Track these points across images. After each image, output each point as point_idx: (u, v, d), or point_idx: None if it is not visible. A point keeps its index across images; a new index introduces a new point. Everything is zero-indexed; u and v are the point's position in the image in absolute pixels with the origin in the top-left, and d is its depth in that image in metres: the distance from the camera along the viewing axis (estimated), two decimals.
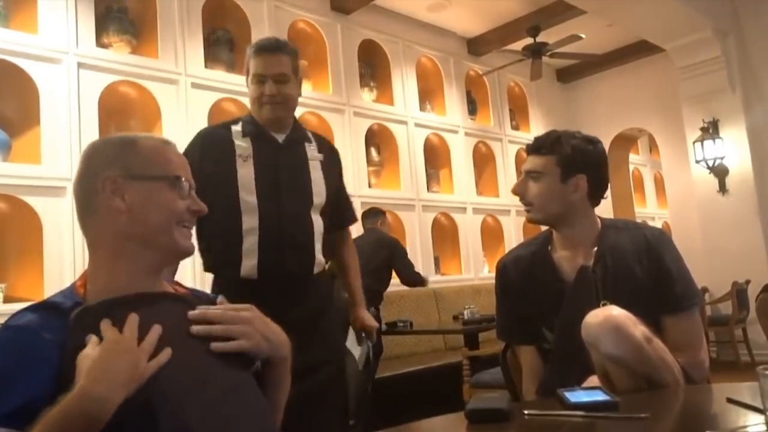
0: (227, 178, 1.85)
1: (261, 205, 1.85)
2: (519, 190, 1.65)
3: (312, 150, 2.02)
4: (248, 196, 1.85)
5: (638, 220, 3.71)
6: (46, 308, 0.96)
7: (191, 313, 1.00)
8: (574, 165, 1.60)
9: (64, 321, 0.92)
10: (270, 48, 1.93)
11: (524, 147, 6.73)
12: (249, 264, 1.82)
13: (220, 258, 1.88)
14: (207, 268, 1.94)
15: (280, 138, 1.95)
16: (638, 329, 1.27)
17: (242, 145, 1.90)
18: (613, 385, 1.28)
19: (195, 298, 1.12)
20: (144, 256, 1.03)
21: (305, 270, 1.89)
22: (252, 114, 1.96)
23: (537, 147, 1.63)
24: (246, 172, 1.86)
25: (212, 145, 1.92)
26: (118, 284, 0.99)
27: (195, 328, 0.98)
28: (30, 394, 0.85)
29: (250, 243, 1.83)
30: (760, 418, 0.92)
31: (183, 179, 1.06)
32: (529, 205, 1.64)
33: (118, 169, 1.03)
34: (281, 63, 1.91)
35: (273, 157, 1.91)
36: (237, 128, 1.94)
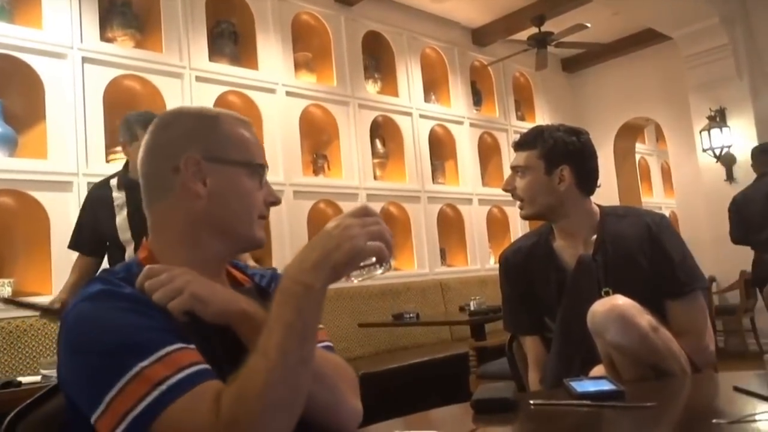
0: (110, 224, 2.59)
1: (135, 240, 2.53)
2: (508, 187, 1.70)
3: None
4: (124, 234, 2.57)
5: (647, 209, 3.67)
6: (116, 280, 0.90)
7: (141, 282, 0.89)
8: (557, 157, 1.62)
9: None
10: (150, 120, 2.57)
11: None
12: None
13: None
14: None
15: None
16: (644, 318, 1.28)
17: (118, 196, 2.62)
18: (618, 374, 1.28)
19: (255, 285, 1.06)
20: (215, 244, 0.96)
21: None
22: (130, 169, 2.63)
23: (521, 143, 1.68)
24: (122, 217, 2.58)
25: (97, 201, 2.68)
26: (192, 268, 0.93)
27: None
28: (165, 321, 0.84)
29: None
30: (767, 406, 0.92)
31: (260, 166, 0.99)
32: (521, 201, 1.68)
33: (199, 148, 0.95)
34: None
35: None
36: (114, 182, 2.67)
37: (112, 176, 2.72)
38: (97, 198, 2.69)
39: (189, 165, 0.94)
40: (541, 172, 1.63)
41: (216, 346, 0.86)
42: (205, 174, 0.95)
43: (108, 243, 2.66)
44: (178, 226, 0.96)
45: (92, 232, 2.70)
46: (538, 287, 1.65)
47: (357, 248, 0.82)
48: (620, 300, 1.30)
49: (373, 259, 0.84)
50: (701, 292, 1.55)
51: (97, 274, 0.95)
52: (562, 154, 1.62)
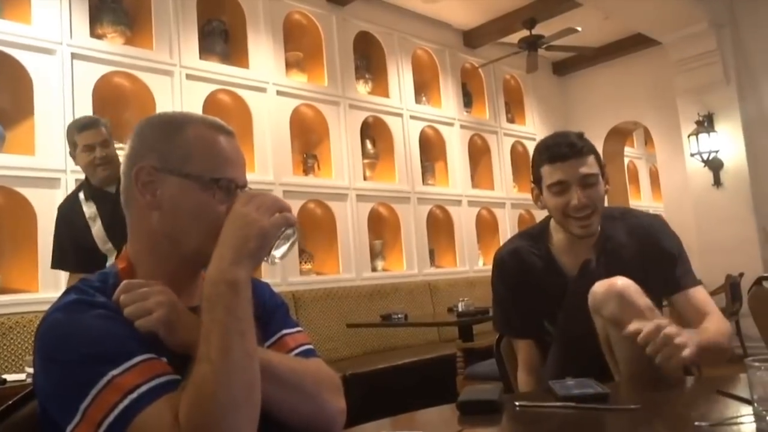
0: (87, 235, 2.52)
1: (117, 249, 2.42)
2: (591, 202, 1.51)
3: None
4: (104, 245, 2.51)
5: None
6: (91, 290, 0.90)
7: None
8: (601, 159, 1.60)
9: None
10: (90, 125, 2.57)
11: (520, 140, 6.65)
12: None
13: None
14: None
15: (112, 190, 2.52)
16: (642, 299, 1.32)
17: (88, 208, 2.55)
18: (614, 353, 1.33)
19: None
20: (176, 257, 0.94)
21: None
22: (88, 177, 2.59)
23: (581, 148, 1.52)
24: (97, 228, 2.52)
25: (69, 216, 2.59)
26: (162, 280, 0.92)
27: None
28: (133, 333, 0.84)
29: None
30: (749, 409, 0.93)
31: (222, 181, 0.93)
32: (591, 213, 1.52)
33: (156, 158, 0.93)
34: (101, 133, 2.55)
35: (113, 211, 2.35)
36: (81, 195, 2.59)
37: (78, 189, 2.67)
38: (70, 213, 2.62)
39: (141, 175, 0.93)
40: (600, 179, 1.55)
41: (187, 359, 0.85)
42: (156, 185, 0.93)
43: (90, 255, 2.54)
44: (143, 236, 0.96)
45: (74, 248, 2.59)
46: (535, 290, 1.62)
47: (264, 228, 0.86)
48: (620, 280, 1.35)
49: (283, 229, 0.88)
50: (701, 285, 1.60)
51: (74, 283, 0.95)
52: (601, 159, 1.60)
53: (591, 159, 1.53)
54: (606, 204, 1.62)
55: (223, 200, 0.93)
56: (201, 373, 0.80)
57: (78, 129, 2.54)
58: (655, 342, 1.21)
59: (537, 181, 1.60)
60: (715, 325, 1.44)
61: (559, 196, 1.53)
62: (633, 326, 1.24)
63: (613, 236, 1.59)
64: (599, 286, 1.36)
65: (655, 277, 1.53)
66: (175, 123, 0.97)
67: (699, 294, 1.55)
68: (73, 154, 2.60)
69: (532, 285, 1.63)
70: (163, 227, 0.93)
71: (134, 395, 0.79)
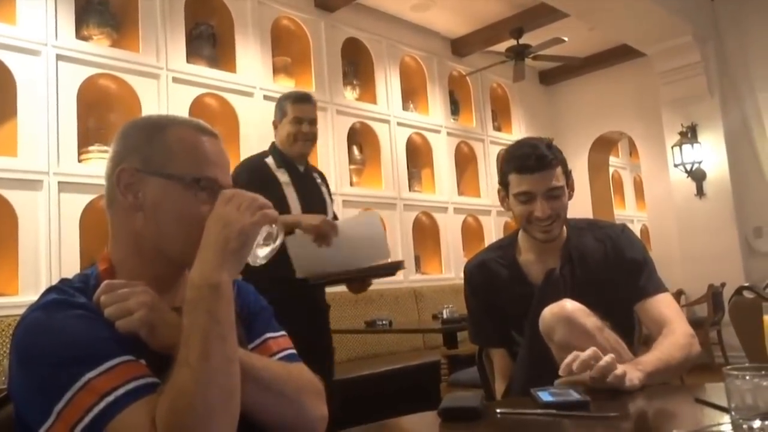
0: (280, 198, 2.40)
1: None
2: (555, 212, 1.53)
3: (317, 177, 2.66)
4: (294, 211, 2.44)
5: (620, 221, 3.72)
6: (72, 290, 0.89)
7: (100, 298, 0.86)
8: (567, 168, 1.61)
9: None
10: (307, 99, 2.64)
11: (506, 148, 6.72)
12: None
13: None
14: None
15: (301, 168, 2.56)
16: (590, 320, 1.32)
17: (281, 175, 2.49)
18: None
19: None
20: (159, 260, 0.94)
21: None
22: (280, 148, 2.54)
23: (550, 161, 1.52)
24: (292, 196, 2.46)
25: (256, 174, 2.46)
26: (145, 281, 0.91)
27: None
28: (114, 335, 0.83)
29: None
30: (727, 417, 0.94)
31: (204, 180, 0.93)
32: (553, 221, 1.54)
33: (138, 160, 0.93)
34: (314, 110, 2.62)
35: (302, 184, 2.52)
36: (270, 161, 2.51)
37: (264, 156, 2.56)
38: (260, 174, 2.48)
39: (122, 176, 0.93)
40: (566, 187, 1.57)
41: (166, 360, 0.84)
42: (138, 186, 0.93)
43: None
44: (125, 238, 0.95)
45: None
46: (503, 302, 1.64)
47: (245, 227, 0.86)
48: (568, 304, 1.35)
49: (265, 228, 0.89)
50: (667, 292, 1.57)
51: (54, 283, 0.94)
52: (567, 165, 1.61)
53: (558, 171, 1.55)
54: (572, 205, 1.63)
55: (205, 201, 0.92)
56: (180, 377, 0.79)
57: (294, 100, 2.59)
58: (598, 369, 1.17)
59: (504, 184, 1.62)
60: (673, 337, 1.39)
61: (525, 205, 1.56)
62: (569, 358, 1.19)
63: (579, 245, 1.60)
64: (548, 312, 1.35)
65: (621, 285, 1.54)
66: (158, 125, 0.97)
67: (660, 302, 1.52)
68: (276, 122, 2.58)
69: (500, 295, 1.65)
70: (146, 229, 0.93)
71: (111, 398, 0.78)
